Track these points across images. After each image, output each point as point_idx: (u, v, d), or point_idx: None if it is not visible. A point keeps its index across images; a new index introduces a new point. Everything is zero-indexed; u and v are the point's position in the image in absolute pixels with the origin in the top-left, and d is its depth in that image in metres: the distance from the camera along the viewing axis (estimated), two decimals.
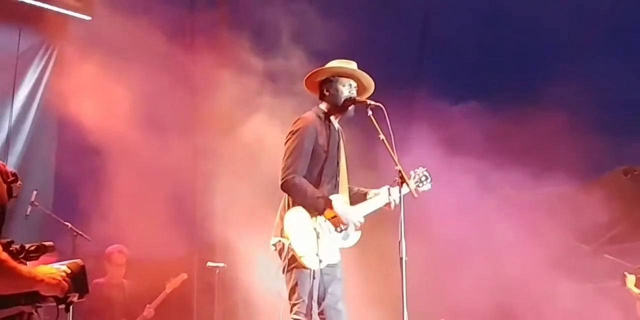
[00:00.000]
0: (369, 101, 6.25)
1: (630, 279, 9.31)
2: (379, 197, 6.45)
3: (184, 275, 9.42)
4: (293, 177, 6.12)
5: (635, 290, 9.28)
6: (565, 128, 9.60)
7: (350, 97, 6.42)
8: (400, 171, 5.87)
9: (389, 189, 6.38)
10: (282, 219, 6.16)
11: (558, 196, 10.30)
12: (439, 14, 11.23)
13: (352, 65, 6.51)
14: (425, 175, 6.74)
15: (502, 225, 9.38)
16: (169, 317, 9.33)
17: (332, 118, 6.47)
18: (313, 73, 6.52)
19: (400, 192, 5.83)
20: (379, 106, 6.14)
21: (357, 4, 10.65)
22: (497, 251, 9.53)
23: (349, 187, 6.55)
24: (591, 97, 9.64)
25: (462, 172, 9.23)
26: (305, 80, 6.55)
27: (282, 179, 6.15)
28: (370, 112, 6.16)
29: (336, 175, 6.39)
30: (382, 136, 5.95)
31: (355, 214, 6.28)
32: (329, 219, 6.17)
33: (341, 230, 6.22)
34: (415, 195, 6.28)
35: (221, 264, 9.10)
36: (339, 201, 6.26)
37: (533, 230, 9.68)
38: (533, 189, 10.19)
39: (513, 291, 9.68)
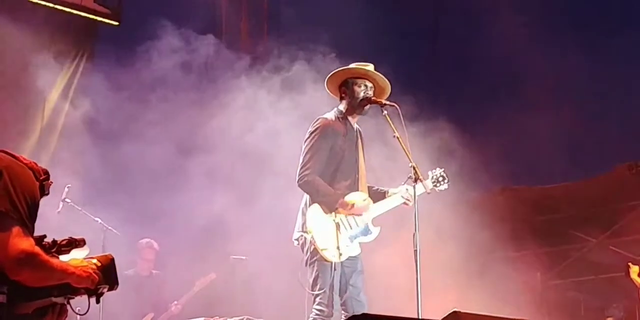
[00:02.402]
0: (383, 101, 6.28)
1: (634, 270, 9.26)
2: (397, 196, 6.39)
3: (213, 275, 9.14)
4: (307, 175, 6.12)
5: (639, 279, 9.22)
6: (571, 123, 9.55)
7: (366, 97, 6.36)
8: (414, 168, 5.90)
9: (406, 188, 6.31)
10: (304, 214, 6.16)
11: (565, 190, 10.25)
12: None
13: (368, 67, 6.46)
14: (442, 176, 6.62)
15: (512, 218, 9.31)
16: (193, 308, 9.23)
17: (349, 118, 6.42)
18: (331, 75, 6.49)
19: (414, 188, 5.91)
20: (393, 106, 6.14)
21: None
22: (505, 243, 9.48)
23: (368, 186, 6.48)
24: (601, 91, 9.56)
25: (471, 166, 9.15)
26: (326, 83, 6.51)
27: (298, 176, 6.17)
28: (384, 112, 6.15)
29: (355, 173, 6.32)
30: (396, 134, 6.02)
31: (367, 209, 6.22)
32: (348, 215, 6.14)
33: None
34: (429, 192, 6.27)
35: (243, 257, 9.02)
36: (356, 197, 6.19)
37: (539, 224, 9.63)
38: (539, 183, 10.13)
39: (516, 282, 9.63)
